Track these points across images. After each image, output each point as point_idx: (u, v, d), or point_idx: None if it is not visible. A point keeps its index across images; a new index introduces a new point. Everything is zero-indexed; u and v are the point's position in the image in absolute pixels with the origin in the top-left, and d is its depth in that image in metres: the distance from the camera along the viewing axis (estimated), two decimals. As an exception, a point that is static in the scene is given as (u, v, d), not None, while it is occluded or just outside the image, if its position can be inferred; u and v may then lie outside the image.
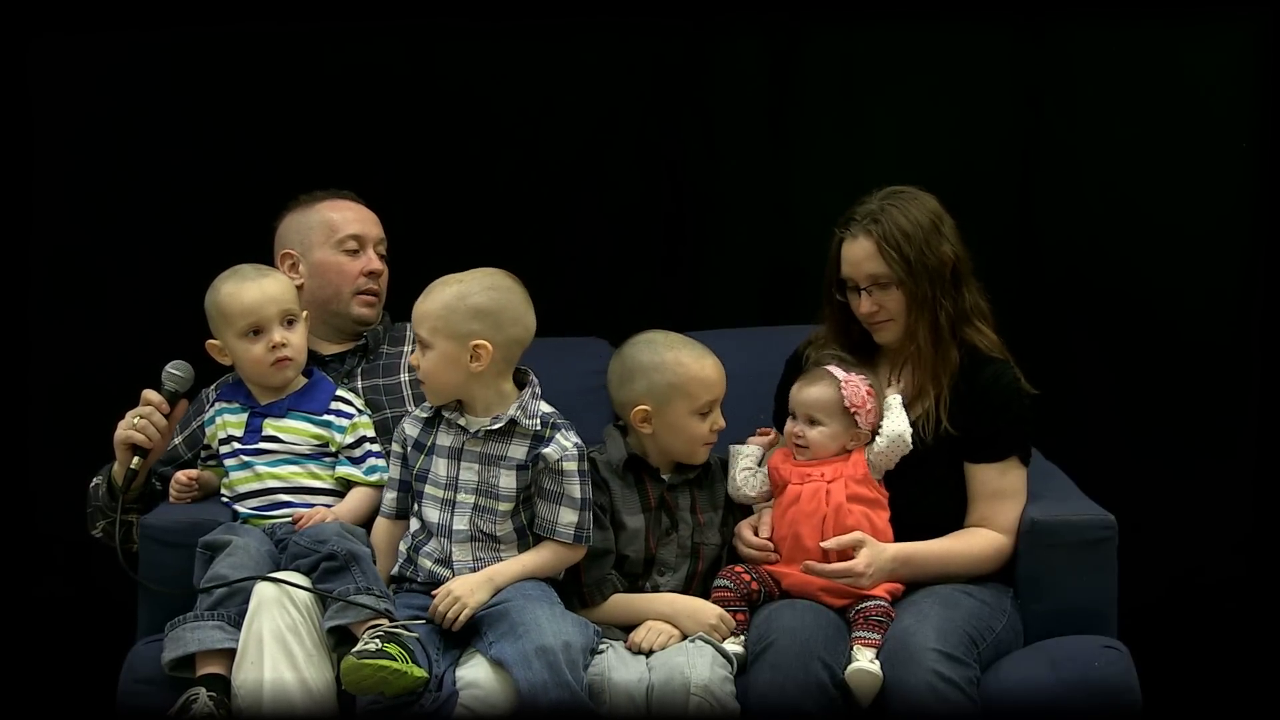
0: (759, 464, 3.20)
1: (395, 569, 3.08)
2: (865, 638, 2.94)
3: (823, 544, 3.03)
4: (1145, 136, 3.90)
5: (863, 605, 3.00)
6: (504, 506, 3.03)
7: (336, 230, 3.41)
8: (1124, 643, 3.02)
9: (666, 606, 3.07)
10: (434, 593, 2.98)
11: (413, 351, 3.08)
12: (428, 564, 3.04)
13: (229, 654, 2.88)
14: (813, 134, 3.95)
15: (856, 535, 3.02)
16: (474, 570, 3.01)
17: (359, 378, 3.38)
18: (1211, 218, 3.91)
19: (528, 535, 3.06)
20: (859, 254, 3.13)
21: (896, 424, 3.09)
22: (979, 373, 3.15)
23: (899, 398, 3.13)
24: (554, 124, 3.96)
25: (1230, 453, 3.94)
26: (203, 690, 2.84)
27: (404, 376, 3.40)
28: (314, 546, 2.95)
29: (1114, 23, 3.86)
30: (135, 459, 3.14)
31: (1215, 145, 3.89)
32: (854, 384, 3.10)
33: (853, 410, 3.09)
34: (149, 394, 3.17)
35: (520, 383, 3.08)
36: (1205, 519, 3.92)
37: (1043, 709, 2.92)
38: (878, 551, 3.02)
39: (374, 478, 3.17)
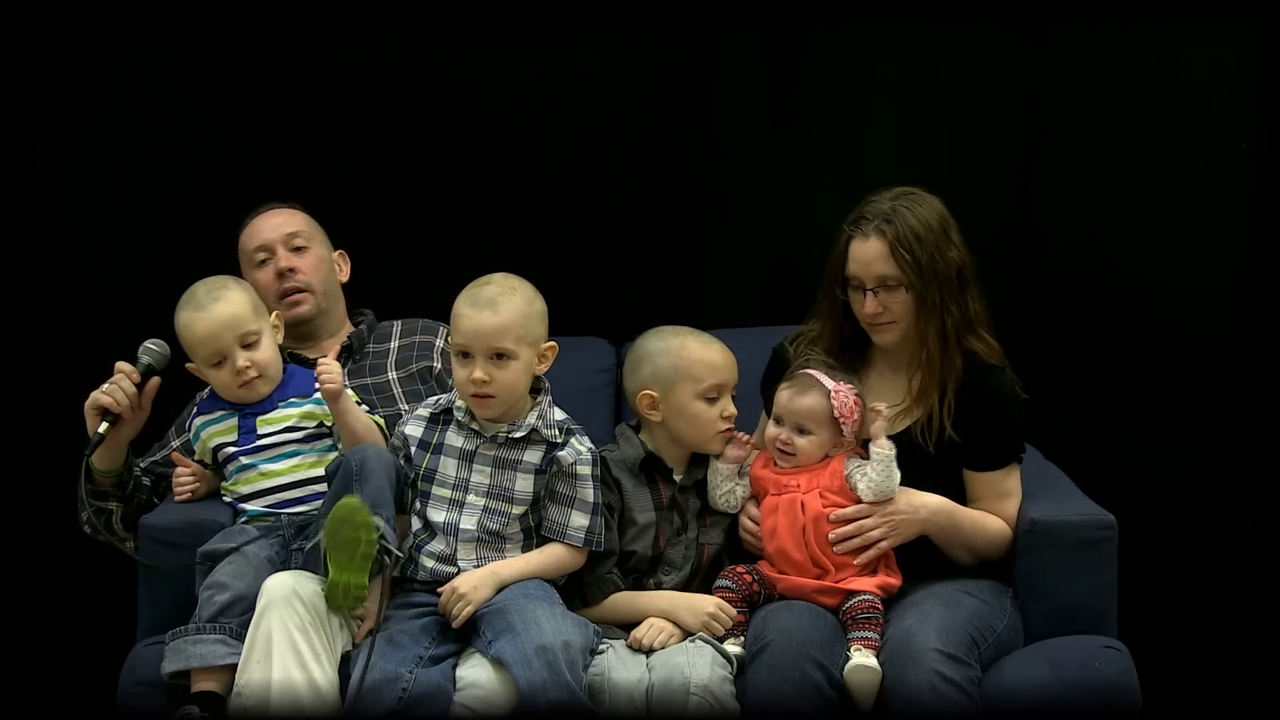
0: (739, 476, 3.17)
1: (395, 569, 3.07)
2: (862, 637, 2.94)
3: (832, 517, 3.04)
4: (1145, 136, 3.90)
5: (849, 604, 2.99)
6: (518, 510, 3.03)
7: (245, 249, 3.45)
8: (1124, 643, 3.02)
9: (666, 603, 3.07)
10: (439, 590, 2.97)
11: (456, 368, 3.04)
12: (430, 563, 3.04)
13: (228, 669, 2.87)
14: (813, 134, 3.95)
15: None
16: (478, 568, 3.01)
17: (346, 378, 3.38)
18: (1211, 218, 3.91)
19: (534, 535, 3.06)
20: (870, 254, 3.10)
21: (886, 480, 3.04)
22: (982, 381, 3.14)
23: (891, 449, 3.06)
24: (554, 124, 3.96)
25: (1230, 453, 3.94)
26: (195, 710, 2.84)
27: (392, 375, 3.41)
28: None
29: (1114, 23, 3.86)
30: (104, 425, 3.11)
31: (1215, 145, 3.89)
32: (843, 394, 3.09)
33: (840, 420, 3.08)
34: (120, 364, 3.17)
35: (535, 387, 3.08)
36: (1205, 519, 3.92)
37: (1043, 709, 2.92)
38: (910, 496, 3.04)
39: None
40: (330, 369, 3.08)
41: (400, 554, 2.94)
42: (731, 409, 3.14)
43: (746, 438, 3.18)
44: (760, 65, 3.95)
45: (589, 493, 3.04)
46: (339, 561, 2.84)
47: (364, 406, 3.24)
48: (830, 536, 3.04)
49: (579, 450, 3.04)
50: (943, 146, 3.92)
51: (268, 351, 3.16)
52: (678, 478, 3.17)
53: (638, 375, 3.15)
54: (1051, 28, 3.89)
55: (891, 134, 3.93)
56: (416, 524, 3.07)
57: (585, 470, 3.04)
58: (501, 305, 3.00)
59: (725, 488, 3.15)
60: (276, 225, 3.45)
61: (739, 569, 3.10)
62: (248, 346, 3.13)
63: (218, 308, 3.12)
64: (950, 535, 3.10)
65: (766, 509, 3.11)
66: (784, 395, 3.12)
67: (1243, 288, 3.92)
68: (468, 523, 3.02)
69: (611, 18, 3.88)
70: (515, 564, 3.02)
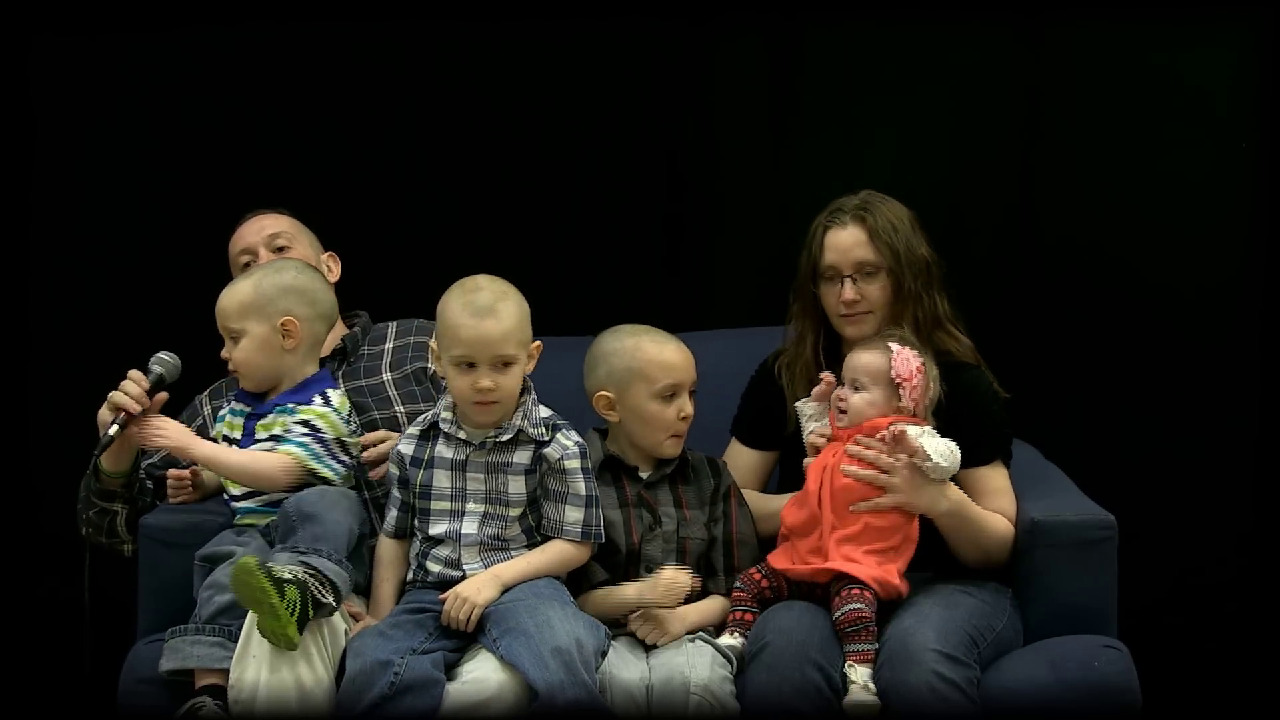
0: (822, 416, 3.15)
1: (409, 575, 3.07)
2: (856, 651, 2.89)
3: (858, 438, 3.03)
4: (1145, 136, 3.90)
5: (838, 616, 2.94)
6: (514, 512, 3.03)
7: (231, 254, 3.46)
8: (1124, 643, 3.02)
9: (633, 593, 3.05)
10: (442, 596, 2.97)
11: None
12: (437, 568, 3.03)
13: (227, 671, 2.86)
14: (813, 134, 3.95)
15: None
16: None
17: (340, 381, 3.38)
18: (1211, 218, 3.91)
19: (535, 534, 3.06)
20: (849, 241, 3.16)
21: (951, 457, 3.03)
22: (955, 378, 3.15)
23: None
24: (554, 124, 3.96)
25: (1230, 453, 3.94)
26: (208, 699, 2.83)
27: (386, 376, 3.40)
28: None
29: (1114, 23, 3.86)
30: (115, 427, 3.07)
31: (1215, 145, 3.89)
32: (905, 356, 3.05)
33: (898, 381, 3.04)
34: (132, 372, 3.15)
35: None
36: (1205, 519, 3.92)
37: (1043, 709, 2.92)
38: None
39: (281, 448, 3.08)
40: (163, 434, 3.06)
41: (334, 605, 2.87)
42: (688, 409, 3.12)
43: (829, 376, 3.15)
44: (760, 65, 3.95)
45: (580, 486, 3.03)
46: (257, 613, 2.82)
47: (331, 407, 3.14)
48: (847, 449, 3.03)
49: (565, 445, 3.03)
50: (943, 146, 3.92)
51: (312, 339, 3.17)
52: (644, 475, 3.16)
53: (594, 376, 3.15)
54: (1051, 28, 3.89)
55: (891, 134, 3.93)
56: (419, 541, 3.06)
57: (574, 464, 3.03)
58: (502, 312, 2.99)
59: (809, 428, 3.15)
60: (259, 228, 3.46)
61: (751, 570, 3.09)
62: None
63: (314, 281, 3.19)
64: (961, 526, 3.08)
65: (815, 462, 3.10)
66: (851, 353, 3.12)
67: (1243, 288, 3.92)
68: (469, 529, 3.02)
69: (611, 18, 3.88)
70: (517, 565, 3.01)
